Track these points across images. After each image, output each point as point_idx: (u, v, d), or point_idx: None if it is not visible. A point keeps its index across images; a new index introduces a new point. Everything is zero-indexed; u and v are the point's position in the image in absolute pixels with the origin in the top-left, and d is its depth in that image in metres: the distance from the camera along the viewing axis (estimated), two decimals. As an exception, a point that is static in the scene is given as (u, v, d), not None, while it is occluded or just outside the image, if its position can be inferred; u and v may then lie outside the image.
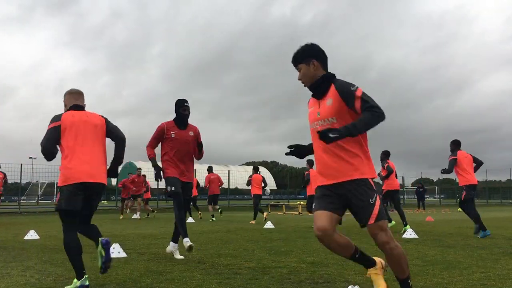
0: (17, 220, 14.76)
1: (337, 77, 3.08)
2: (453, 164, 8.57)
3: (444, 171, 8.78)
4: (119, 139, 4.19)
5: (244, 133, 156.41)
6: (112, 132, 4.16)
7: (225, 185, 18.11)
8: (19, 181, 23.20)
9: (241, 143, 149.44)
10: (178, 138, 5.66)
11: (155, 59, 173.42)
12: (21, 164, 21.93)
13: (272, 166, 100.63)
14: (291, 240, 7.75)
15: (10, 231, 10.84)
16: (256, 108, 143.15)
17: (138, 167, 18.84)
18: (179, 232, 5.56)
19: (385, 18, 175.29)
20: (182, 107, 5.75)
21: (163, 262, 5.18)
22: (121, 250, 5.72)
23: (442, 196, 47.08)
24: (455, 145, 8.84)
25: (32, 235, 8.24)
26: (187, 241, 5.38)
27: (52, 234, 9.08)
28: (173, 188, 5.49)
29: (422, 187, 27.48)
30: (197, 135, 5.86)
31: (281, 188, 63.54)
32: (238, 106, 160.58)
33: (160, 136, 5.71)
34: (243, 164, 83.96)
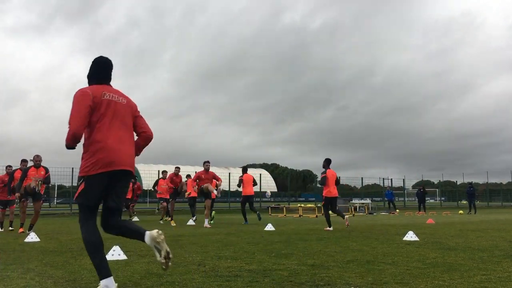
0: (18, 222, 14.74)
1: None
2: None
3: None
4: None
5: (249, 137, 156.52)
6: None
7: (225, 188, 18.05)
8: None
9: (245, 146, 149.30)
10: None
11: (166, 65, 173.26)
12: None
13: (273, 169, 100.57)
14: (291, 242, 7.74)
15: (11, 233, 10.85)
16: (261, 112, 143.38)
17: (135, 176, 18.59)
18: None
19: (392, 24, 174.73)
20: None
21: (163, 264, 5.17)
22: (121, 252, 5.71)
23: (443, 198, 47.09)
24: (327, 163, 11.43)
25: (32, 237, 8.24)
26: None
27: (53, 237, 9.08)
28: None
29: (423, 189, 27.47)
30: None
31: (281, 191, 63.53)
32: (244, 111, 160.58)
33: None
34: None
